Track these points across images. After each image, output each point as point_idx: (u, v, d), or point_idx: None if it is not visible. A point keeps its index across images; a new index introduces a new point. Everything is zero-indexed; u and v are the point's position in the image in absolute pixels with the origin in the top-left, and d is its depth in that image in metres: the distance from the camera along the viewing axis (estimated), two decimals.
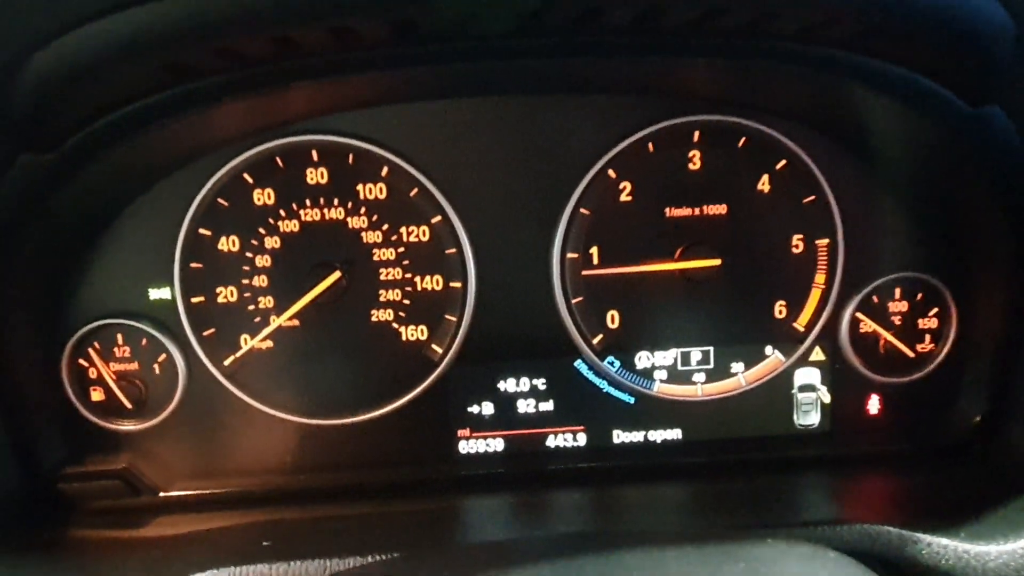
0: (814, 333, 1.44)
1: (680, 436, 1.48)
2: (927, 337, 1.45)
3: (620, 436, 1.47)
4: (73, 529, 1.33)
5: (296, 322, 1.40)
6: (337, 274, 1.38)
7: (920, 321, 1.45)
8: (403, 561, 1.09)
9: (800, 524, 1.17)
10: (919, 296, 1.44)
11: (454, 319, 1.42)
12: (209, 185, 1.34)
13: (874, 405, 1.48)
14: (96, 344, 1.39)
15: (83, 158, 1.15)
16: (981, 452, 1.40)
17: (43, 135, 1.05)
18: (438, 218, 1.39)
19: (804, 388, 1.47)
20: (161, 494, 1.41)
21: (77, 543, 1.31)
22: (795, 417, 1.48)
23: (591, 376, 1.46)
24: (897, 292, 1.44)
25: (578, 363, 1.45)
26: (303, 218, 1.38)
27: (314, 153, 1.36)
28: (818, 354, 1.46)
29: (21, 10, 0.79)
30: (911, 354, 1.45)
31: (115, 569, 1.22)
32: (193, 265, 1.38)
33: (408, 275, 1.41)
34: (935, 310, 1.44)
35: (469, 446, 1.46)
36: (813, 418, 1.48)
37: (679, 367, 1.46)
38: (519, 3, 0.96)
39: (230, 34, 0.89)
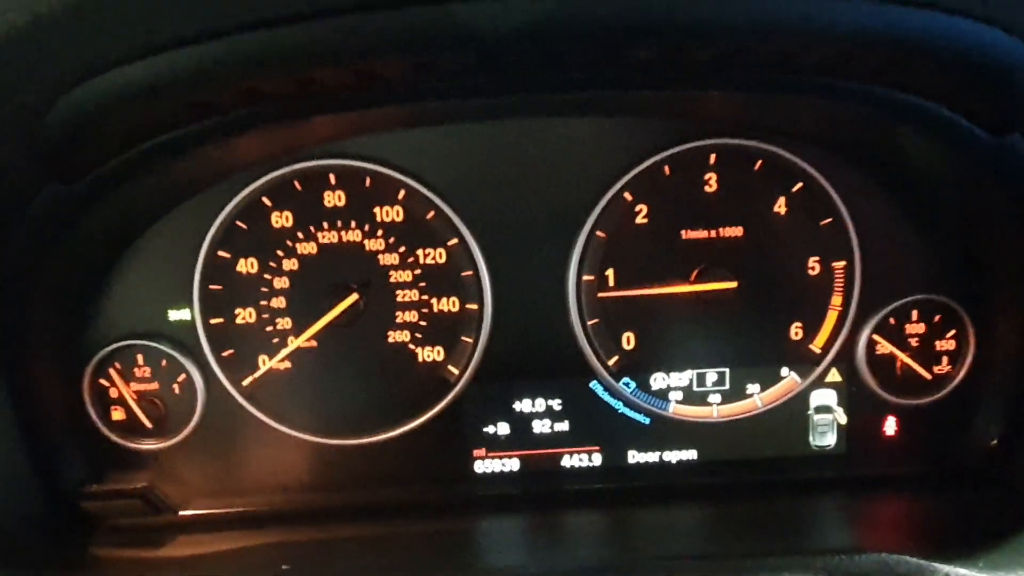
0: (831, 355, 1.44)
1: (695, 457, 1.48)
2: (944, 359, 1.45)
3: (635, 456, 1.48)
4: (93, 547, 1.35)
5: (314, 343, 1.41)
6: (354, 296, 1.39)
7: (937, 343, 1.44)
8: None
9: (817, 551, 1.17)
10: (936, 318, 1.43)
11: (470, 340, 1.43)
12: (228, 209, 1.36)
13: (890, 427, 1.47)
14: (117, 364, 1.40)
15: (106, 187, 1.16)
16: (998, 475, 1.39)
17: (69, 168, 1.07)
18: (454, 240, 1.40)
19: (820, 409, 1.47)
20: (180, 513, 1.43)
21: (97, 561, 1.32)
22: (811, 438, 1.47)
23: (606, 397, 1.46)
24: (914, 314, 1.44)
25: (594, 384, 1.45)
26: (321, 240, 1.39)
27: (332, 176, 1.37)
28: (834, 376, 1.46)
29: (54, 52, 0.81)
30: (928, 376, 1.45)
31: None
32: (212, 287, 1.39)
33: (425, 297, 1.42)
34: (952, 332, 1.44)
35: (485, 466, 1.47)
36: (829, 439, 1.47)
37: (695, 388, 1.46)
38: (536, 46, 0.96)
39: (256, 76, 0.90)
